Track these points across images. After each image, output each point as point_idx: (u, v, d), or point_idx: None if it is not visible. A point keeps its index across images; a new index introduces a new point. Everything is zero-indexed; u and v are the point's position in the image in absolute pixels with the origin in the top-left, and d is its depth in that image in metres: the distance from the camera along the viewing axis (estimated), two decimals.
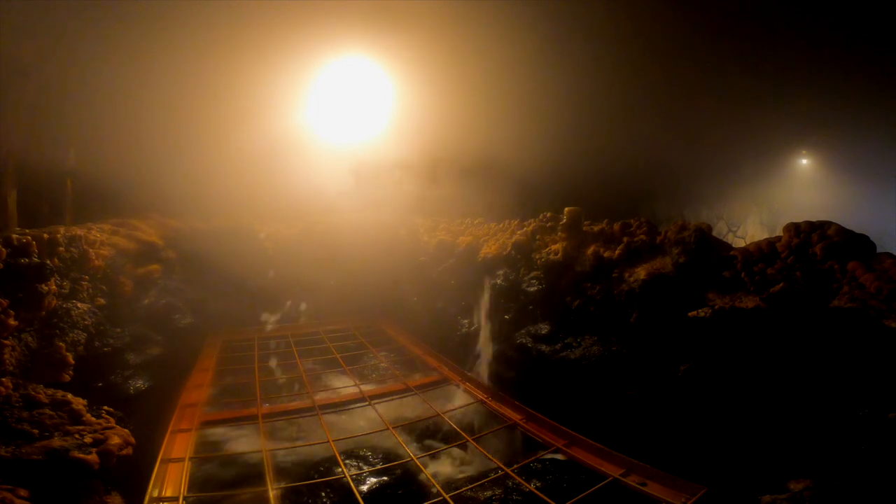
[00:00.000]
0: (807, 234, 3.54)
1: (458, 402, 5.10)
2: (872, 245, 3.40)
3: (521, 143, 11.21)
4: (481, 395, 5.06)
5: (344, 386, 5.70)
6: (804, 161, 17.24)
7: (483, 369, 5.71)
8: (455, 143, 11.06)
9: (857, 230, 3.52)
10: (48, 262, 4.28)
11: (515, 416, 4.46)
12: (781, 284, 3.29)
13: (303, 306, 9.27)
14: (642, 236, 4.50)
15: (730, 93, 14.87)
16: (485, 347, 5.93)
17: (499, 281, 6.16)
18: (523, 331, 5.36)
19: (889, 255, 3.25)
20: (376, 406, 4.98)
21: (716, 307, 3.59)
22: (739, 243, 16.35)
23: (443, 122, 10.71)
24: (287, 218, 10.08)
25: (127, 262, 6.34)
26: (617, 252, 4.51)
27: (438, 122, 10.74)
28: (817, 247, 3.42)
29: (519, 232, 5.94)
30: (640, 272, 4.21)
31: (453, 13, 10.20)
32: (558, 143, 11.59)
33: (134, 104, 8.12)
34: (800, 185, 17.31)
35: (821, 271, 3.33)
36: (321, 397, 5.29)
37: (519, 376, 5.17)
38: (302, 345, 7.38)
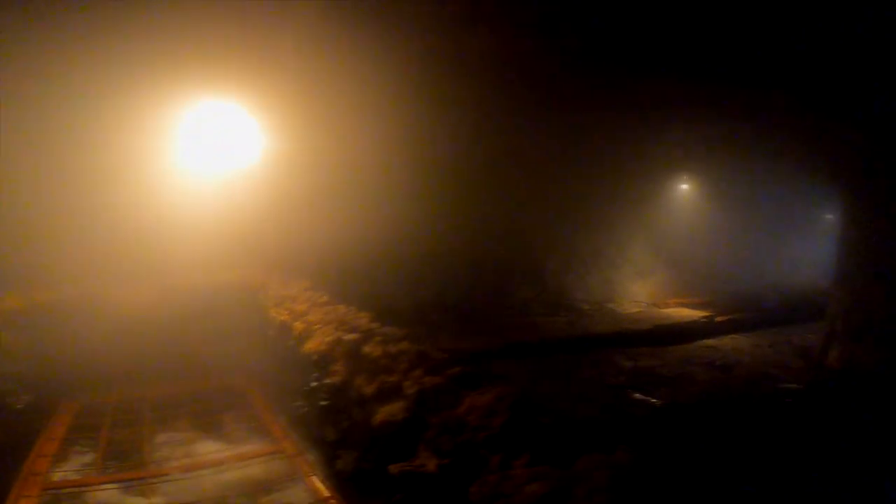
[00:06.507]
0: None
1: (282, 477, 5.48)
2: None
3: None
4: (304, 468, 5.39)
5: (179, 456, 6.02)
6: (684, 186, 18.39)
7: None
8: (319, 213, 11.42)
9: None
10: None
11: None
12: None
13: (161, 369, 9.25)
14: (396, 377, 4.82)
15: (617, 128, 15.63)
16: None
17: (312, 382, 6.41)
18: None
19: None
20: (202, 477, 5.38)
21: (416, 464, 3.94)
22: (629, 264, 17.51)
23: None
24: (146, 278, 9.99)
25: None
26: (371, 391, 4.82)
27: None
28: None
29: (329, 340, 6.18)
30: (380, 414, 4.53)
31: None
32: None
33: None
34: (681, 209, 18.50)
35: None
36: (152, 469, 5.61)
37: None
38: (157, 410, 7.53)
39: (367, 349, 5.62)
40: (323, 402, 6.00)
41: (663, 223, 18.35)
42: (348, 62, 10.84)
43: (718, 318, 15.40)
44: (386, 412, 4.75)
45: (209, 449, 6.25)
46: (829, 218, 17.35)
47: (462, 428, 4.03)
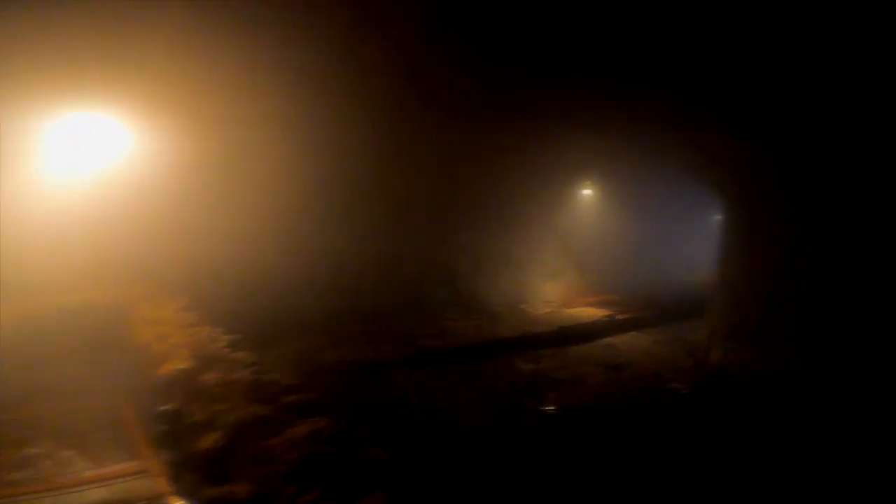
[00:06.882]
0: None
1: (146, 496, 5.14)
2: None
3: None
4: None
5: (43, 475, 5.51)
6: (588, 191, 19.21)
7: None
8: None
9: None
10: None
11: None
12: None
13: (26, 391, 8.59)
14: (226, 405, 4.63)
15: (524, 135, 15.99)
16: None
17: (162, 406, 6.08)
18: None
19: None
20: (66, 496, 5.02)
21: None
22: (540, 266, 18.00)
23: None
24: (9, 297, 9.21)
25: None
26: (202, 418, 4.62)
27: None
28: None
29: (175, 366, 5.89)
30: (206, 441, 4.35)
31: None
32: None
33: None
34: (587, 212, 19.35)
35: None
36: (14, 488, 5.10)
37: None
38: (20, 430, 6.68)
39: (206, 377, 5.40)
40: (165, 427, 5.74)
41: (571, 226, 18.99)
42: (237, 67, 10.45)
43: (619, 317, 16.07)
44: (210, 439, 4.58)
45: (75, 468, 5.93)
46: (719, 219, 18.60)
47: (270, 459, 3.93)
